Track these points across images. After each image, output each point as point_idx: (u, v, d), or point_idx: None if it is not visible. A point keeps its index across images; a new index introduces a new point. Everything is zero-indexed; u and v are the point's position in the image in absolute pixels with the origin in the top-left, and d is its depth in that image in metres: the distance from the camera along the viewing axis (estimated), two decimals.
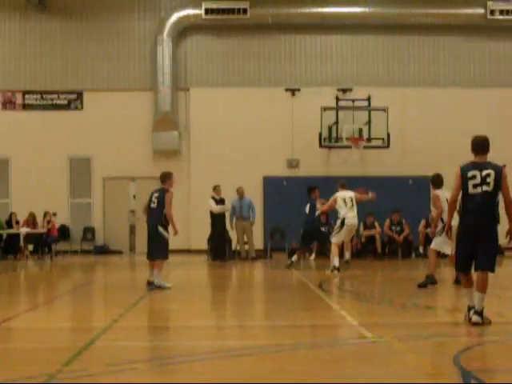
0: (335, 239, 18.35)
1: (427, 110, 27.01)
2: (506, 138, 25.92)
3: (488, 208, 9.50)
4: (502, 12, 26.71)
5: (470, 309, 9.62)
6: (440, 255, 14.75)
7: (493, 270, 9.55)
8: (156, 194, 14.81)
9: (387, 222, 24.36)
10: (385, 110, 25.43)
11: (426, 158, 26.45)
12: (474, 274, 9.67)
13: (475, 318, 9.43)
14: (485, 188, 9.48)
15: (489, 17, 26.72)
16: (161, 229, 14.63)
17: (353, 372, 7.11)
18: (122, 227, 27.34)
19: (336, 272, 17.64)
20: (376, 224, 24.21)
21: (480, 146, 9.76)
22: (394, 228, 24.30)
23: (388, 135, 25.46)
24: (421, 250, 23.69)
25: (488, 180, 9.48)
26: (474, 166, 9.63)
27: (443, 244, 13.98)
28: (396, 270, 20.46)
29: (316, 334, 9.58)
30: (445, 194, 13.80)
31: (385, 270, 19.33)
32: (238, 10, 26.45)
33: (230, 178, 25.02)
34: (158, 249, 14.64)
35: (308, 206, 19.38)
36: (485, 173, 9.51)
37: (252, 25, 27.02)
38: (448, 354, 7.63)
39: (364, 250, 24.11)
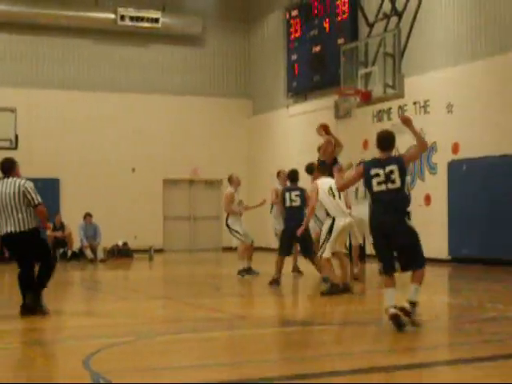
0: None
1: (55, 111, 26.77)
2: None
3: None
4: (131, 18, 27.25)
5: None
6: None
7: None
8: None
9: None
10: (12, 110, 24.70)
11: (54, 160, 26.27)
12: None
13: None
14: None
15: (119, 22, 27.13)
16: None
17: None
18: None
19: None
20: None
21: None
22: None
23: (16, 136, 24.76)
24: None
25: None
26: None
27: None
28: None
29: None
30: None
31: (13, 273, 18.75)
32: None
33: None
34: None
35: None
36: None
37: None
38: (78, 356, 7.53)
39: None
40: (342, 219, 12.89)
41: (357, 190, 14.63)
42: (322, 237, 13.00)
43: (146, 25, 27.59)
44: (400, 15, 18.34)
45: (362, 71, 18.73)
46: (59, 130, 26.73)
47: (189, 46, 28.98)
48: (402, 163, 9.20)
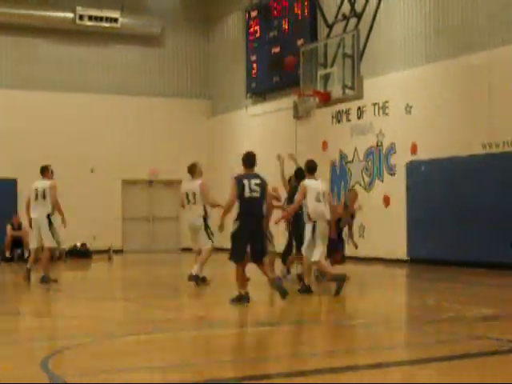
0: None
1: (13, 111, 26.60)
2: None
3: None
4: (90, 18, 27.07)
5: None
6: None
7: None
8: None
9: None
10: None
11: (12, 160, 26.03)
12: None
13: None
14: None
15: (78, 22, 26.94)
16: None
17: None
18: None
19: None
20: None
21: None
22: None
23: None
24: None
25: None
26: None
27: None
28: None
29: None
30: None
31: None
32: None
33: None
34: None
35: None
36: None
37: None
38: (37, 358, 7.45)
39: None
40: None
41: None
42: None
43: (104, 25, 27.44)
44: (359, 16, 18.38)
45: (321, 72, 18.76)
46: (17, 130, 26.45)
47: (148, 47, 28.86)
48: None
